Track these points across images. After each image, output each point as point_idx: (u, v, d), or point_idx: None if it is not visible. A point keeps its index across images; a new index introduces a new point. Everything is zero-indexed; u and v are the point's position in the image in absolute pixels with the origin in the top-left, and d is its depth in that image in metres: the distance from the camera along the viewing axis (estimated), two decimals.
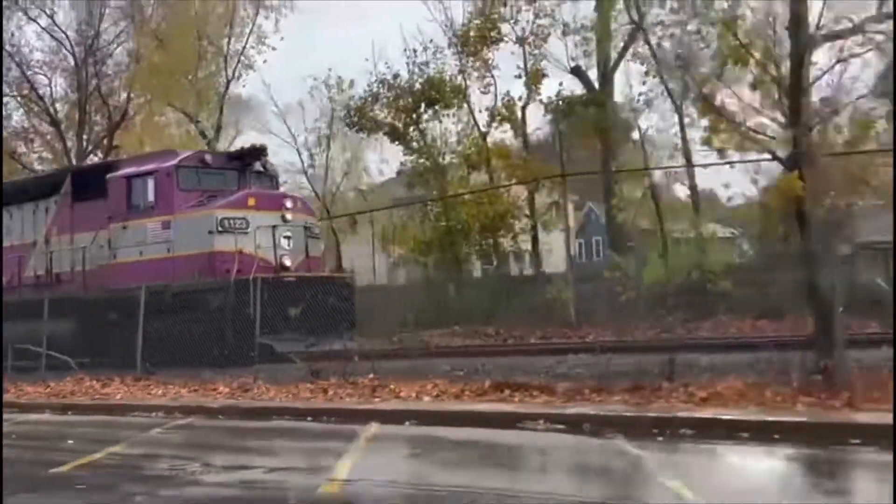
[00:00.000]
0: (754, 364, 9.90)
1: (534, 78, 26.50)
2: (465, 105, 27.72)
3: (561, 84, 27.07)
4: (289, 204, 17.94)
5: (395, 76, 28.07)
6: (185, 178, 17.90)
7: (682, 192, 29.26)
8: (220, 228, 16.82)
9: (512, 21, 27.13)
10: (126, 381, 13.90)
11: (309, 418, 10.44)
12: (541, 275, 27.02)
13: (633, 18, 24.37)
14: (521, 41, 27.02)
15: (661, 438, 8.14)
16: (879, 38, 12.41)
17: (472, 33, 27.39)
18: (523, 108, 27.27)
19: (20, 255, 19.74)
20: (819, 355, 9.03)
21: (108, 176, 18.51)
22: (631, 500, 6.46)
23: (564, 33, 26.26)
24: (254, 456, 8.40)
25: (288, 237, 17.50)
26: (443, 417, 9.70)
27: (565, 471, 7.70)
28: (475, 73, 27.65)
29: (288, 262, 17.06)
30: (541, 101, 26.88)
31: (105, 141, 35.30)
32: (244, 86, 33.00)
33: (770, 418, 8.25)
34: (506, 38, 27.25)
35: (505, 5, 27.03)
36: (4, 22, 31.41)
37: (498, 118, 27.26)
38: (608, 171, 26.73)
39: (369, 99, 28.48)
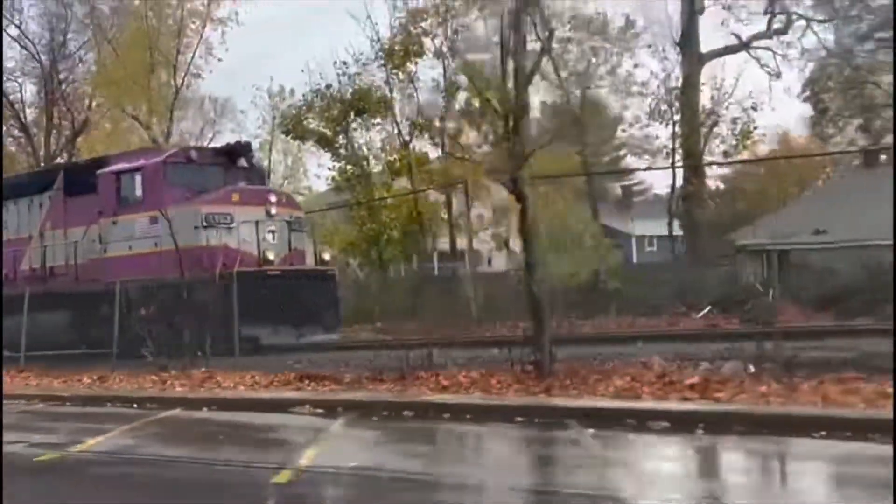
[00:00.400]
0: (497, 357, 11.72)
1: (449, 89, 28.18)
2: (390, 115, 29.39)
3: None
4: (273, 199, 18.31)
5: (328, 86, 29.79)
6: (173, 174, 18.19)
7: None
8: (205, 223, 17.16)
9: (431, 36, 28.81)
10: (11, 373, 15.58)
11: (135, 405, 12.10)
12: (457, 274, 28.71)
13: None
14: (439, 55, 28.75)
15: (376, 418, 9.91)
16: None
17: (396, 47, 29.09)
18: (442, 118, 28.93)
19: (16, 250, 20.11)
20: (533, 351, 10.79)
21: (99, 172, 18.87)
22: (261, 462, 7.79)
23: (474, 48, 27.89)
24: (33, 433, 10.08)
25: (272, 232, 17.88)
26: (236, 404, 11.46)
27: (256, 443, 9.15)
28: (399, 85, 29.33)
29: (271, 256, 17.36)
30: (458, 111, 28.54)
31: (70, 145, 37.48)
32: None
33: (484, 402, 10.07)
34: (427, 53, 28.96)
35: (425, 21, 28.71)
36: None
37: (417, 128, 28.96)
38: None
39: (303, 108, 30.21)
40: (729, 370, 10.03)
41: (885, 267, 22.44)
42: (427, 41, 28.85)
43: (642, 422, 8.66)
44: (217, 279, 16.03)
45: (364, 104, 28.87)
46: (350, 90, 29.18)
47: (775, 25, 28.70)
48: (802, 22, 28.53)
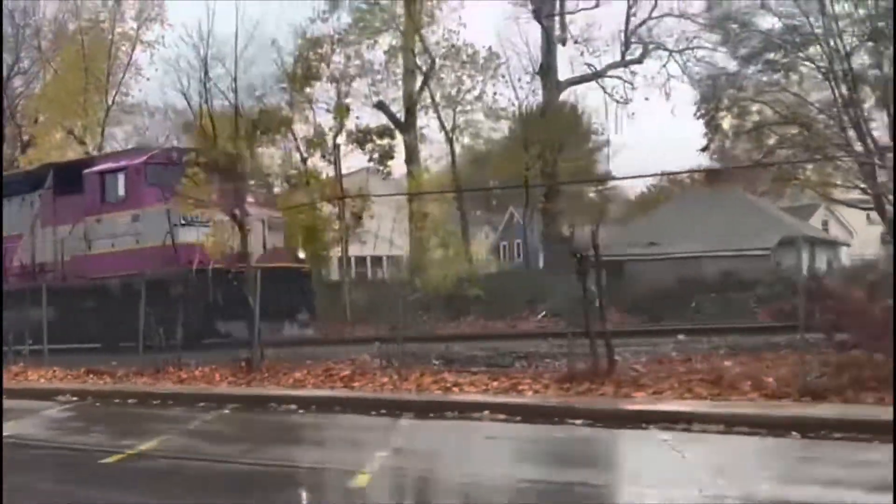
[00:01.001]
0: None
1: (339, 112, 30.79)
2: (290, 134, 31.99)
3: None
4: (250, 199, 18.37)
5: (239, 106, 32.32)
6: (154, 174, 18.56)
7: None
8: (183, 222, 17.57)
9: (327, 63, 31.41)
10: None
11: None
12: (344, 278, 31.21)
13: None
14: (333, 80, 31.37)
15: (99, 404, 12.53)
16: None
17: (298, 71, 31.72)
18: (334, 137, 31.52)
19: (9, 246, 20.57)
20: (248, 350, 13.40)
21: (85, 172, 19.42)
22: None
23: (367, 73, 30.70)
24: None
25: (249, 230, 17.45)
26: (15, 393, 13.65)
27: None
28: (299, 106, 31.92)
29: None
30: (348, 132, 31.13)
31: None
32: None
33: (197, 391, 12.70)
34: (323, 77, 31.56)
35: (322, 48, 31.32)
36: None
37: (311, 147, 31.56)
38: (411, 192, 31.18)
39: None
40: (365, 364, 12.59)
41: (699, 277, 25.13)
42: (323, 66, 31.41)
43: (280, 405, 11.29)
44: (194, 275, 16.67)
45: (267, 124, 31.41)
46: (257, 110, 31.78)
47: (631, 56, 31.30)
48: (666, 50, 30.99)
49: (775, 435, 8.04)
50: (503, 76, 31.40)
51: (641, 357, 11.87)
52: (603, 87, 31.49)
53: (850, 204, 30.04)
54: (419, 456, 8.43)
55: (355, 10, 31.26)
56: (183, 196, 15.48)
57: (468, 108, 30.27)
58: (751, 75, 29.73)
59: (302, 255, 21.21)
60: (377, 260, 40.19)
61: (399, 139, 30.79)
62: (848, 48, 26.24)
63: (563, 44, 31.11)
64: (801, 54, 26.00)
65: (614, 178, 32.41)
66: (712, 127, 40.12)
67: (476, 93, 29.97)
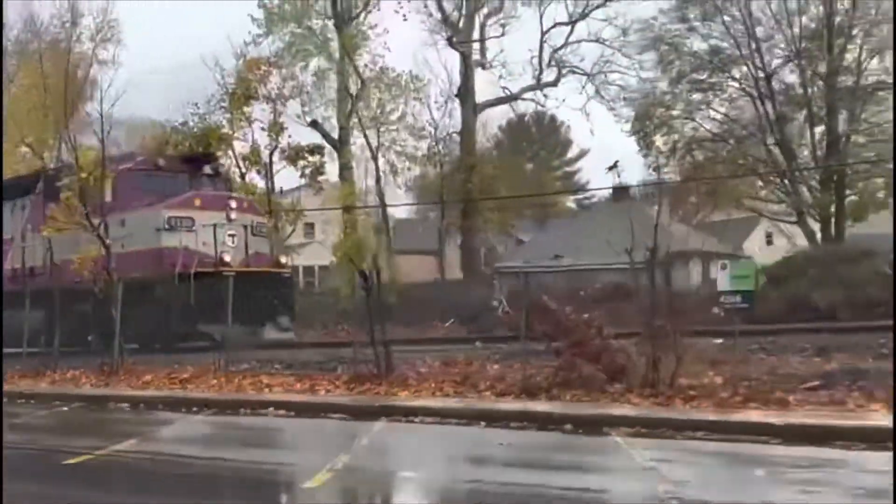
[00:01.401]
0: None
1: (272, 128, 32.59)
2: (230, 151, 33.74)
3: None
4: (234, 204, 19.07)
5: (184, 123, 34.15)
6: (140, 180, 19.04)
7: None
8: (167, 226, 17.99)
9: (264, 84, 33.21)
10: None
11: None
12: None
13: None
14: (269, 100, 33.18)
15: None
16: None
17: (238, 92, 33.49)
18: (270, 154, 33.28)
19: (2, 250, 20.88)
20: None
21: None
22: None
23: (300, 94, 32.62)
24: None
25: (232, 235, 18.65)
26: None
27: None
28: (239, 125, 33.71)
29: (227, 258, 18.02)
30: (281, 149, 32.92)
31: None
32: None
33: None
34: (260, 98, 33.33)
35: (259, 70, 33.10)
36: None
37: (247, 163, 33.30)
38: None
39: (165, 142, 34.53)
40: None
41: (591, 286, 26.73)
42: (260, 87, 33.23)
43: (117, 403, 12.93)
44: (177, 279, 17.28)
45: (209, 141, 33.16)
46: (198, 129, 33.57)
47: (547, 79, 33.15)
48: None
49: (468, 424, 9.73)
50: (421, 99, 33.80)
51: (436, 361, 13.46)
52: (513, 109, 33.30)
53: (775, 217, 31.64)
54: (160, 442, 10.03)
55: (289, 34, 33.19)
56: (51, 219, 16.86)
57: (392, 127, 32.02)
58: (678, 94, 31.80)
59: (284, 259, 21.65)
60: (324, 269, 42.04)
61: (332, 156, 32.78)
62: (771, 68, 27.92)
63: (484, 68, 33.04)
64: (727, 74, 27.76)
65: (522, 196, 34.00)
66: (646, 144, 42.27)
67: (398, 114, 31.80)
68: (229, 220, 18.63)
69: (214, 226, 18.07)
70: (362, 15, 33.14)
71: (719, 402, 9.36)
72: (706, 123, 30.61)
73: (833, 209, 27.22)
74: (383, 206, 31.20)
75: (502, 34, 33.90)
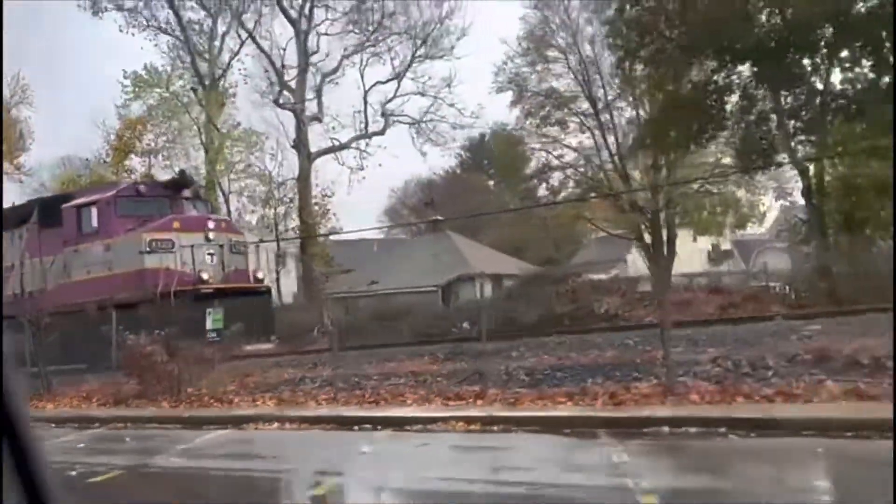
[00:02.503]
0: None
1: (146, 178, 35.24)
2: None
3: None
4: (211, 225, 19.93)
5: (79, 175, 40.54)
6: (123, 206, 19.83)
7: None
8: (148, 249, 18.74)
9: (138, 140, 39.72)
10: None
11: None
12: None
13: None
14: (146, 153, 39.99)
15: None
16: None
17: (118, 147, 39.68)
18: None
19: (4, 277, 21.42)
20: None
21: (63, 206, 20.65)
22: None
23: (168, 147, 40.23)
24: None
25: (211, 254, 19.50)
26: None
27: None
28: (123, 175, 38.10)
29: (205, 276, 18.76)
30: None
31: None
32: None
33: None
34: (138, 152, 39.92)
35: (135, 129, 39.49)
36: None
37: None
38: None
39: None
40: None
41: (396, 307, 27.57)
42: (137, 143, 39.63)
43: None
44: (159, 298, 18.00)
45: None
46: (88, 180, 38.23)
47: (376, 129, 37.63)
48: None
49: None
50: (261, 150, 38.78)
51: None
52: (337, 158, 38.30)
53: (618, 235, 32.97)
54: None
55: (156, 96, 38.91)
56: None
57: (240, 175, 38.57)
58: (528, 128, 33.10)
59: (261, 275, 22.85)
60: None
61: None
62: (606, 101, 29.87)
63: (320, 121, 37.69)
64: (570, 108, 30.40)
65: (338, 233, 38.95)
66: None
67: (245, 164, 38.31)
68: (208, 239, 19.67)
69: (192, 246, 19.17)
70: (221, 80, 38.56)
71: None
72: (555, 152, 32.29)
73: (662, 229, 27.98)
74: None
75: (317, 99, 38.23)
